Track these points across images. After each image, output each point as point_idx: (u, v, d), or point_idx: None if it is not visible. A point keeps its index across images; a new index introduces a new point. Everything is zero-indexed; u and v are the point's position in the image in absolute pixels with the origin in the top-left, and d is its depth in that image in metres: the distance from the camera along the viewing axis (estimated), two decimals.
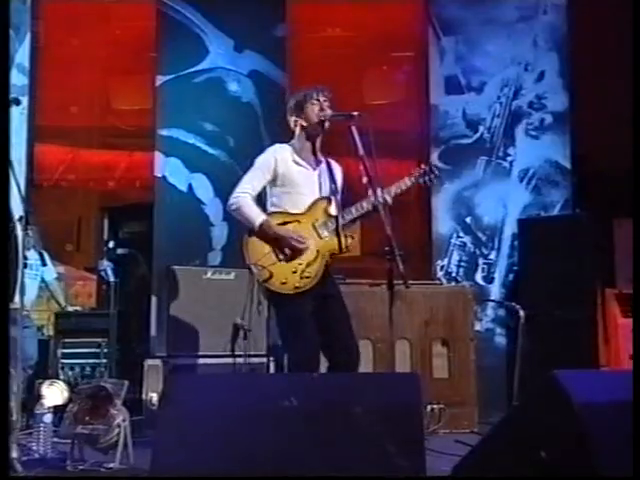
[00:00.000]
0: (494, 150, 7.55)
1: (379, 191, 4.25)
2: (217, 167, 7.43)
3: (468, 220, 7.47)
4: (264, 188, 4.51)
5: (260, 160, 4.50)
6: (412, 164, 7.77)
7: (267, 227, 4.28)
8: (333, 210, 4.42)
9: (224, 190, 6.66)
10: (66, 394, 5.05)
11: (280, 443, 2.85)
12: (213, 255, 7.36)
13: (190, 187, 7.43)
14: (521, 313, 5.29)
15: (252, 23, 7.65)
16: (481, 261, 7.41)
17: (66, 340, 6.82)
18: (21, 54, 7.31)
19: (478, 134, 7.55)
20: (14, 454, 3.99)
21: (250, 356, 5.81)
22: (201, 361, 6.02)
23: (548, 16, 7.53)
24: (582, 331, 6.39)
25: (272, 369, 6.20)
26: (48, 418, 4.58)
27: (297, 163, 4.45)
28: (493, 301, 5.98)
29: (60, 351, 6.77)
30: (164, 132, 7.40)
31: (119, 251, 7.75)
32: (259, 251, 4.27)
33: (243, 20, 7.64)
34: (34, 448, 4.53)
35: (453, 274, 7.36)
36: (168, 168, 7.39)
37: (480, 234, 7.44)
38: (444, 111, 7.54)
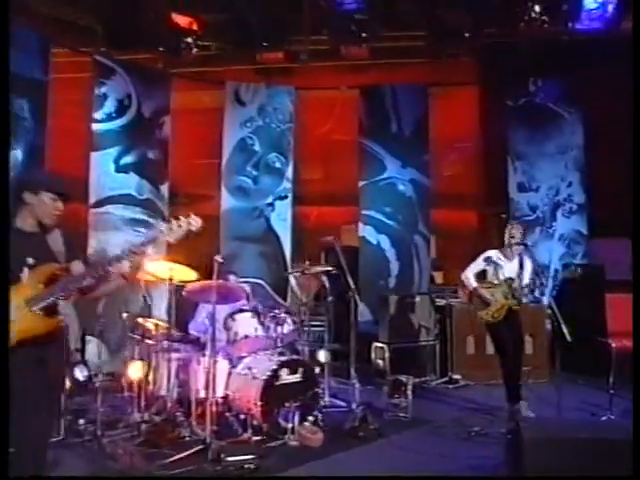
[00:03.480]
0: (544, 223, 7.58)
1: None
2: (393, 231, 7.70)
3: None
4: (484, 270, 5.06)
5: (481, 257, 5.05)
6: (471, 215, 8.66)
7: (475, 291, 4.96)
8: (514, 284, 4.97)
9: (396, 243, 7.50)
10: (329, 357, 5.72)
11: None
12: (391, 279, 7.61)
13: (378, 242, 7.69)
14: (613, 344, 5.30)
15: (410, 152, 7.82)
16: (537, 285, 6.89)
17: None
18: (289, 172, 7.83)
19: (535, 214, 7.60)
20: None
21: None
22: (406, 345, 6.35)
23: (574, 152, 7.51)
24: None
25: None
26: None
27: (499, 259, 4.99)
28: (603, 341, 5.79)
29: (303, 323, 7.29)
30: (365, 212, 7.72)
31: (334, 272, 8.47)
32: (476, 301, 4.98)
33: (407, 150, 7.81)
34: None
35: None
36: (366, 231, 7.70)
37: (538, 269, 7.28)
38: (517, 201, 7.62)
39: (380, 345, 6.36)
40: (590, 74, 7.07)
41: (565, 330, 4.51)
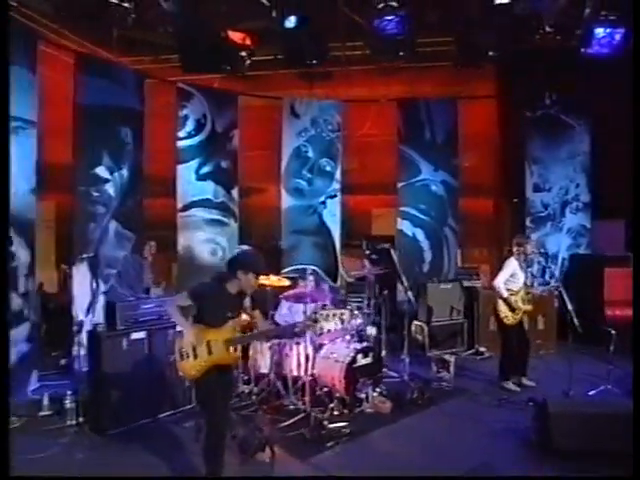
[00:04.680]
0: (555, 219, 8.18)
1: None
2: (426, 224, 8.45)
3: (542, 250, 7.39)
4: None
5: (507, 266, 5.65)
6: (486, 204, 9.26)
7: (506, 299, 5.55)
8: (527, 291, 5.66)
9: (429, 235, 8.15)
10: (377, 331, 6.18)
11: None
12: (424, 266, 8.37)
13: (414, 234, 8.46)
14: (613, 332, 5.52)
15: (442, 157, 8.44)
16: (548, 270, 7.50)
17: (349, 293, 7.86)
18: (337, 174, 8.60)
19: (547, 211, 8.18)
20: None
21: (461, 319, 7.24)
22: (441, 323, 7.15)
23: (581, 157, 8.12)
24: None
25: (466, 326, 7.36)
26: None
27: (518, 269, 5.66)
28: (600, 326, 6.14)
29: (347, 298, 7.62)
30: (402, 208, 8.44)
31: (373, 257, 8.27)
32: (502, 304, 5.64)
33: (439, 156, 8.49)
34: None
35: (534, 274, 7.28)
36: (403, 225, 8.45)
37: (548, 257, 7.91)
38: (532, 200, 8.23)
39: (419, 323, 7.25)
40: (597, 90, 7.63)
41: (577, 322, 5.40)
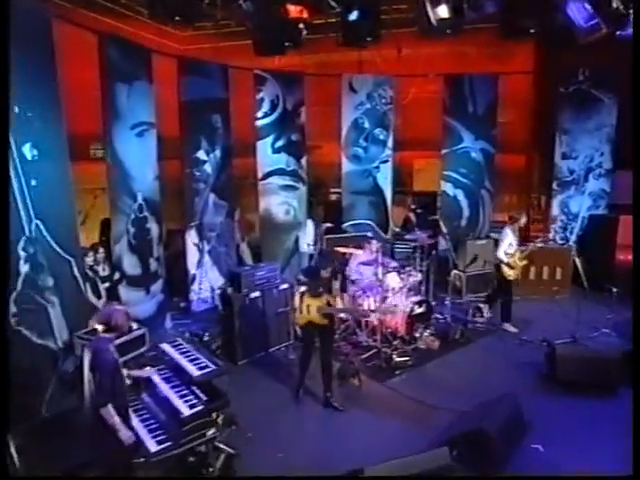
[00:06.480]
0: (579, 183, 9.13)
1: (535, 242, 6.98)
2: (465, 186, 9.54)
3: (565, 210, 9.12)
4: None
5: (505, 239, 6.96)
6: (519, 159, 10.26)
7: (508, 263, 6.92)
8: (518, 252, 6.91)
9: (468, 196, 9.33)
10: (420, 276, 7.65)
11: None
12: (463, 221, 9.55)
13: (455, 195, 9.57)
14: (614, 290, 6.66)
15: (482, 127, 9.33)
16: (569, 227, 9.03)
17: (395, 243, 9.27)
18: (389, 142, 9.79)
19: (573, 176, 9.15)
20: None
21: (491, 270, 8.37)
22: (475, 272, 8.47)
23: (607, 128, 8.93)
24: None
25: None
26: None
27: (512, 237, 6.94)
28: (607, 288, 6.99)
29: (394, 247, 9.18)
30: (445, 172, 9.51)
31: (418, 211, 9.92)
32: (505, 267, 6.97)
33: (479, 126, 9.37)
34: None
35: (557, 231, 8.99)
36: (446, 187, 9.56)
37: (570, 216, 9.11)
38: (560, 166, 9.18)
39: (458, 273, 8.70)
40: (627, 68, 8.47)
41: (585, 283, 6.90)
